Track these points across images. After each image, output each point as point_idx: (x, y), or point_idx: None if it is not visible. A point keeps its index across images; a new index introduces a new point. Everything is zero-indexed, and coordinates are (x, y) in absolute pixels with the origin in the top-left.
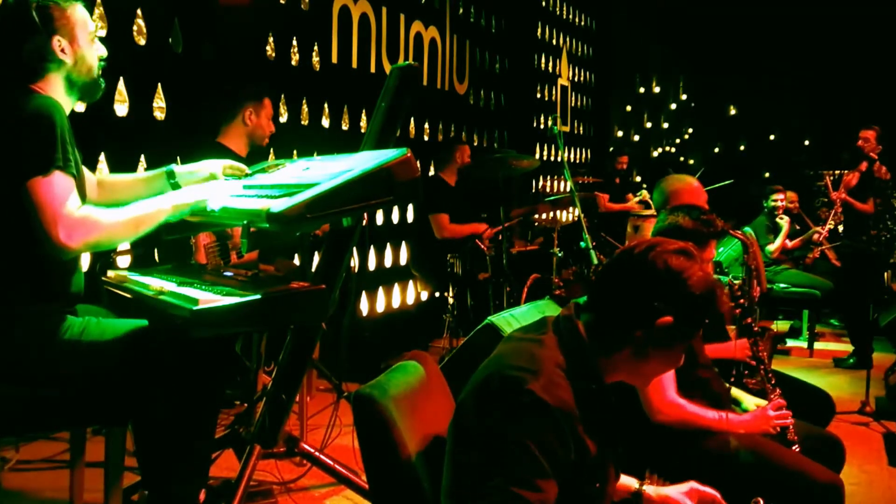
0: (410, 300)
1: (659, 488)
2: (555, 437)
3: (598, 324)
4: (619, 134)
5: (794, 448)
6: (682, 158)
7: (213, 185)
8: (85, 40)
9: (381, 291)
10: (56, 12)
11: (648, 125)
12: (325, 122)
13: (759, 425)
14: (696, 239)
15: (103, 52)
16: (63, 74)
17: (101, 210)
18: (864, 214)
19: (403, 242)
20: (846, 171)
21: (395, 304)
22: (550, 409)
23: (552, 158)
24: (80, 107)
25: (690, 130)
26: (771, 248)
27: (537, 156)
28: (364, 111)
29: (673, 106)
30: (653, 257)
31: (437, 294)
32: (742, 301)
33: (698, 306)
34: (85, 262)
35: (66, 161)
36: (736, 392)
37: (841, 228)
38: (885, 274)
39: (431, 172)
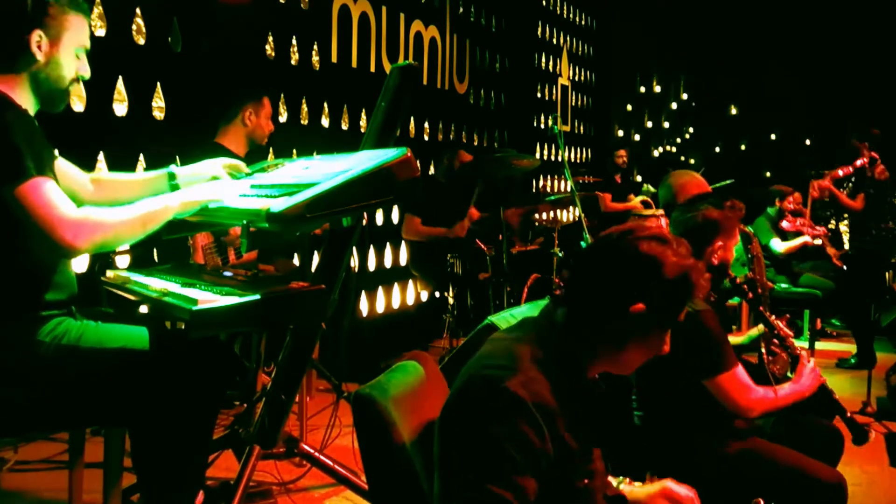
0: (410, 300)
1: (633, 489)
2: (532, 433)
3: (575, 316)
4: (620, 134)
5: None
6: (682, 158)
7: (222, 185)
8: (69, 49)
9: (381, 291)
10: (52, 9)
11: (649, 125)
12: (325, 122)
13: (816, 381)
14: (727, 227)
15: (86, 72)
16: (30, 71)
17: (102, 209)
18: (853, 210)
19: (403, 242)
20: (841, 166)
21: (395, 304)
22: (526, 405)
23: (552, 158)
24: (79, 106)
25: (691, 130)
26: (779, 248)
27: (537, 155)
28: (364, 111)
29: (674, 105)
30: (624, 245)
31: (437, 294)
32: (750, 296)
33: (672, 292)
34: (83, 262)
35: (40, 164)
36: None
37: (843, 228)
38: (887, 274)
39: (431, 172)
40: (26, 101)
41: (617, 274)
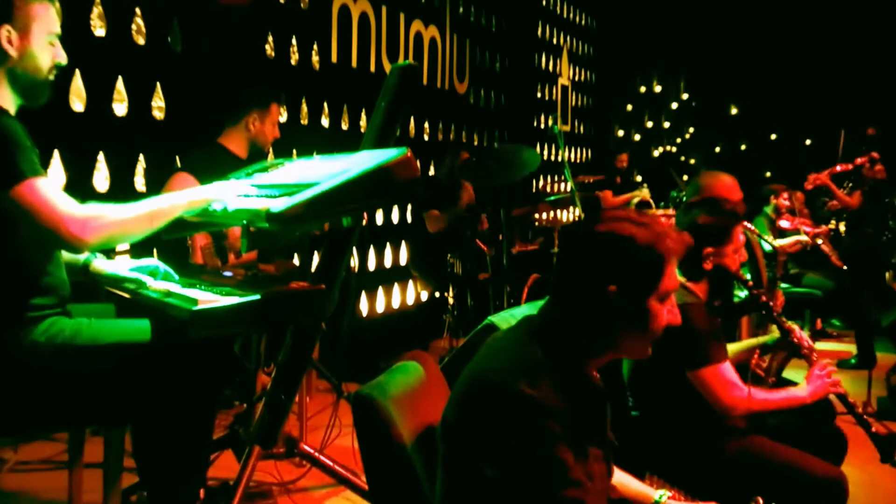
0: (410, 300)
1: None
2: (560, 426)
3: (566, 312)
4: (620, 133)
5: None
6: (683, 158)
7: (226, 185)
8: (40, 39)
9: (381, 291)
10: (17, 1)
11: (649, 125)
12: (325, 122)
13: (823, 388)
14: (721, 234)
15: (62, 58)
16: (6, 68)
17: (108, 206)
18: (848, 207)
19: (403, 242)
20: (841, 163)
21: (395, 304)
22: (544, 405)
23: (552, 158)
24: (79, 106)
25: (692, 130)
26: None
27: None
28: (364, 111)
29: (674, 105)
30: (585, 232)
31: (437, 294)
32: (763, 299)
33: (640, 264)
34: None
35: (32, 164)
36: None
37: (843, 228)
38: (887, 274)
39: (431, 172)
40: (7, 99)
41: (583, 260)
